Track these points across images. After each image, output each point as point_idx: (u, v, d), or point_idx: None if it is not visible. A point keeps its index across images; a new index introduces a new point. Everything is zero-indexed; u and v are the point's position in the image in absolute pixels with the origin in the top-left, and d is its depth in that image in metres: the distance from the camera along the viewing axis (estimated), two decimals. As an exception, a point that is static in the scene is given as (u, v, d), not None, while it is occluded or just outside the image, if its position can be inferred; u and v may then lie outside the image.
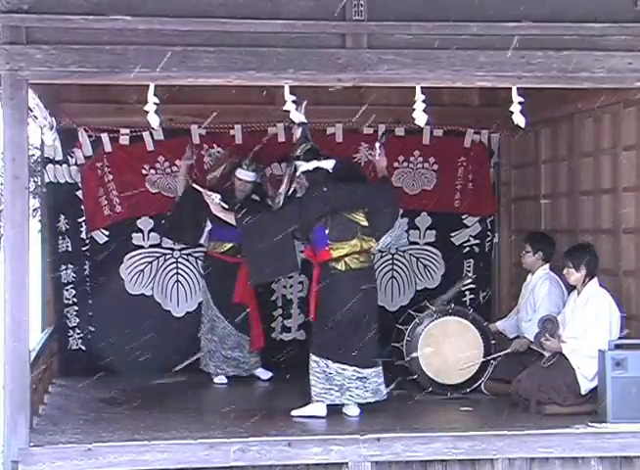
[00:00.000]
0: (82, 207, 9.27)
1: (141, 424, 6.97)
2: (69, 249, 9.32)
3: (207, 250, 9.04)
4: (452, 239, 9.88)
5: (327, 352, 7.32)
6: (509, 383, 7.73)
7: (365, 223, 7.44)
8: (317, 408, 7.30)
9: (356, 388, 7.32)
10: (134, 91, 6.85)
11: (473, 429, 6.75)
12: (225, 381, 8.89)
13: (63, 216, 9.32)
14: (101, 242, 9.32)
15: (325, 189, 7.42)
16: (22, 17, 6.28)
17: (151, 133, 9.20)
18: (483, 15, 6.56)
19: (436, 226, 9.83)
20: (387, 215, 7.50)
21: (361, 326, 7.32)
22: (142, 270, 9.43)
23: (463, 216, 9.86)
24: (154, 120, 6.38)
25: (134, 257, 9.41)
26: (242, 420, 7.03)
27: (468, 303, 9.60)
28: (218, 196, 8.02)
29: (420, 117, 6.54)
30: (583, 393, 7.31)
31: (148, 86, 6.36)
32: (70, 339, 9.32)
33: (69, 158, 9.24)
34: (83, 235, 9.31)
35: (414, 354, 8.11)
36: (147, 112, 6.35)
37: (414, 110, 6.52)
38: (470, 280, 8.92)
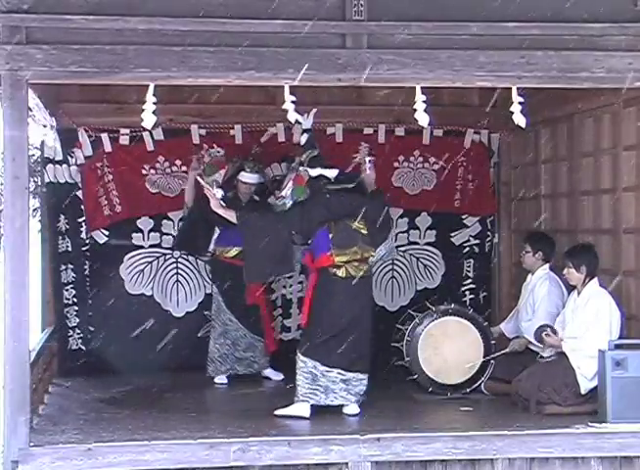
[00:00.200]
0: (82, 207, 9.26)
1: (141, 424, 6.97)
2: (69, 249, 9.32)
3: (216, 255, 8.98)
4: (452, 239, 9.88)
5: (317, 354, 7.33)
6: (509, 383, 7.73)
7: (365, 232, 7.51)
8: (301, 408, 7.27)
9: (340, 389, 7.34)
10: (134, 91, 6.83)
11: (473, 429, 6.75)
12: (225, 381, 8.87)
13: (63, 216, 9.32)
14: (101, 242, 9.33)
15: (328, 196, 7.49)
16: (22, 17, 6.27)
17: (151, 133, 9.18)
18: (483, 15, 6.55)
19: (437, 226, 9.83)
20: (382, 227, 7.58)
21: (355, 333, 7.34)
22: (142, 270, 9.43)
23: (463, 216, 9.86)
24: (149, 120, 6.37)
25: (134, 256, 9.41)
26: (242, 420, 7.03)
27: (468, 303, 9.61)
28: (221, 191, 7.98)
29: (422, 118, 6.54)
30: (583, 393, 7.31)
31: (148, 86, 6.37)
32: (70, 339, 9.31)
33: (69, 158, 9.23)
34: (83, 235, 9.31)
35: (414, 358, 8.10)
36: (143, 110, 6.33)
37: (415, 110, 6.52)
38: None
